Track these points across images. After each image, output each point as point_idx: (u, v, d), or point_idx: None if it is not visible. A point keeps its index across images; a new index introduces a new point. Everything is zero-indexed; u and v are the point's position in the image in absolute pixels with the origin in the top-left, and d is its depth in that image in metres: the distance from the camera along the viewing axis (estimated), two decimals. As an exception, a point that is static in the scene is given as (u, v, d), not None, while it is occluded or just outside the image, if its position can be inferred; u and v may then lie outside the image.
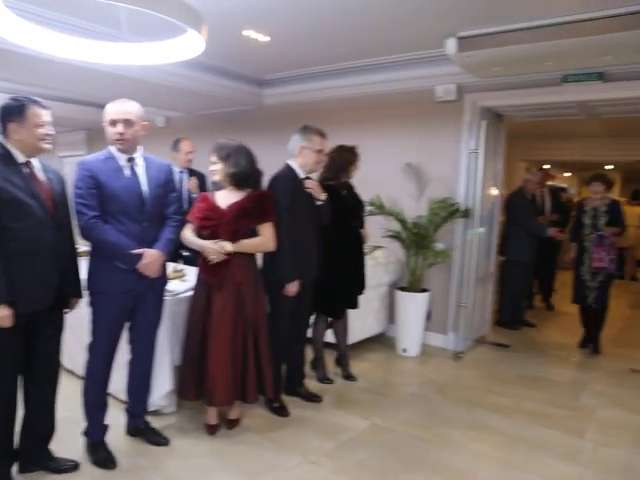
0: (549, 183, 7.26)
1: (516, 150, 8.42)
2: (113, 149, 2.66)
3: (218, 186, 3.10)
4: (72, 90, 5.88)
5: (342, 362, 4.10)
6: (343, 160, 3.74)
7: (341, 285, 3.77)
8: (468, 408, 3.65)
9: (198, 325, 3.00)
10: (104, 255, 2.62)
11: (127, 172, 2.65)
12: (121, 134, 2.59)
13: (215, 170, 3.00)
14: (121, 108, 2.61)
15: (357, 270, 3.92)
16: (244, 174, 2.97)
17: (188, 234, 3.02)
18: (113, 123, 2.60)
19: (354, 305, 3.96)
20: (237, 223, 2.92)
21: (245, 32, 4.10)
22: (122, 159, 2.65)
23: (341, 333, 4.03)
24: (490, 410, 3.61)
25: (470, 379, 4.24)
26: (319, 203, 3.39)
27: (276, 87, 5.81)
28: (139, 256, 2.60)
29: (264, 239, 3.02)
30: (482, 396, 3.87)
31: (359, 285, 3.96)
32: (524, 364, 4.61)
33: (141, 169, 2.70)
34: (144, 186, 2.67)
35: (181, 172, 4.58)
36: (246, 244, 2.96)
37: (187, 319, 3.10)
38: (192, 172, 4.64)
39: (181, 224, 2.87)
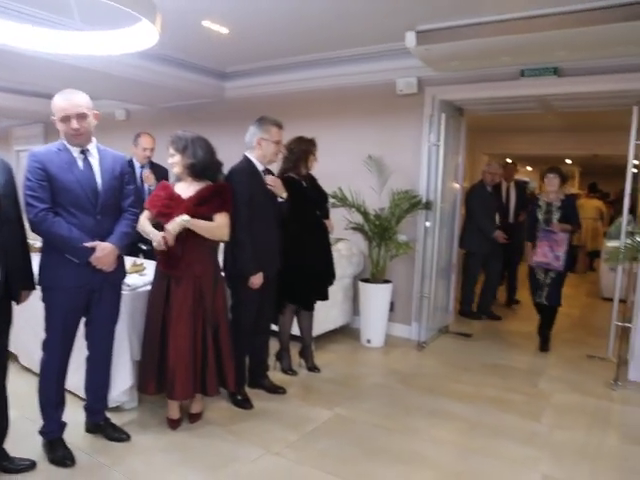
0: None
1: (479, 144, 8.59)
2: (66, 141, 2.59)
3: (179, 179, 3.07)
4: (28, 82, 5.73)
5: (306, 354, 4.12)
6: (301, 151, 3.73)
7: (310, 275, 3.77)
8: (430, 396, 3.70)
9: (157, 318, 2.97)
10: (56, 249, 2.56)
11: (80, 164, 2.59)
12: (76, 130, 2.53)
13: (173, 162, 2.97)
14: (71, 102, 2.53)
15: (325, 260, 3.93)
16: (202, 165, 2.95)
17: (143, 221, 2.97)
18: (66, 119, 2.52)
19: (324, 296, 3.97)
20: (194, 210, 2.88)
21: (204, 23, 4.06)
22: (75, 151, 2.59)
23: (306, 325, 4.05)
24: (452, 398, 3.68)
25: (433, 368, 4.30)
26: (280, 200, 3.40)
27: (237, 80, 5.78)
28: (91, 249, 2.55)
29: (218, 224, 2.96)
30: (444, 384, 3.94)
31: (329, 275, 3.97)
32: (485, 352, 4.71)
33: (95, 161, 2.64)
34: (98, 178, 2.61)
35: (142, 167, 4.51)
36: (201, 223, 2.89)
37: (146, 313, 3.07)
38: (154, 166, 4.57)
39: (137, 217, 2.81)
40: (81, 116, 2.54)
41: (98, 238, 2.58)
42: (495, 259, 5.88)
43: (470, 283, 5.89)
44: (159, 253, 2.96)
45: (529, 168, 13.48)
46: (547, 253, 4.69)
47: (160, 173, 4.52)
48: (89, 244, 2.54)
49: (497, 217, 5.88)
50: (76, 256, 2.54)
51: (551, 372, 4.26)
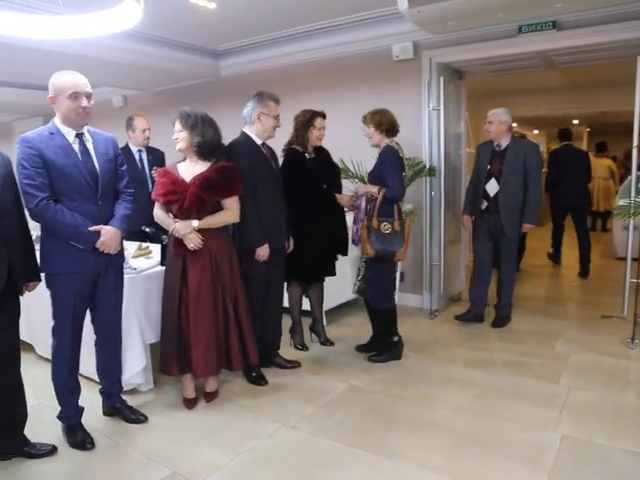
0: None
1: (483, 109, 8.42)
2: (59, 124, 2.53)
3: (183, 157, 3.04)
4: (20, 73, 5.70)
5: (317, 328, 4.12)
6: (301, 123, 3.66)
7: (311, 251, 3.72)
8: (444, 364, 3.69)
9: (174, 299, 2.96)
10: (58, 236, 2.53)
11: (77, 148, 2.54)
12: (85, 108, 2.48)
13: (179, 138, 2.93)
14: (81, 80, 2.49)
15: (330, 235, 3.82)
16: (211, 144, 2.93)
17: (159, 214, 3.00)
18: (75, 96, 2.45)
19: (328, 272, 3.92)
20: (203, 195, 2.86)
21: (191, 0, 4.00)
22: (70, 135, 2.54)
23: (315, 299, 4.03)
24: (466, 364, 3.67)
25: (446, 336, 4.29)
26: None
27: (232, 57, 5.73)
28: (96, 235, 2.52)
29: (229, 214, 3.00)
30: (458, 352, 3.93)
31: (334, 251, 3.90)
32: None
33: (90, 144, 2.60)
34: (95, 162, 2.57)
35: (139, 151, 4.45)
36: (211, 221, 2.93)
37: (163, 294, 3.05)
38: (150, 150, 4.52)
39: (134, 198, 2.78)
40: (89, 95, 2.51)
41: (101, 224, 2.55)
42: None
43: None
44: (174, 236, 2.95)
45: (536, 131, 13.25)
46: (353, 226, 3.69)
47: (157, 157, 4.49)
48: (93, 228, 2.51)
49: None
50: (81, 243, 2.52)
51: (567, 334, 4.22)
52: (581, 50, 4.29)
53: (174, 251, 2.96)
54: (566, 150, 6.64)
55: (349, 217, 3.92)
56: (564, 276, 6.59)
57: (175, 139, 2.95)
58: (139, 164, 4.40)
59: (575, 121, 11.89)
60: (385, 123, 3.61)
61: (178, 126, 2.92)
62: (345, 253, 3.97)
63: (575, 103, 8.65)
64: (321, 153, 3.82)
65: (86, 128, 2.62)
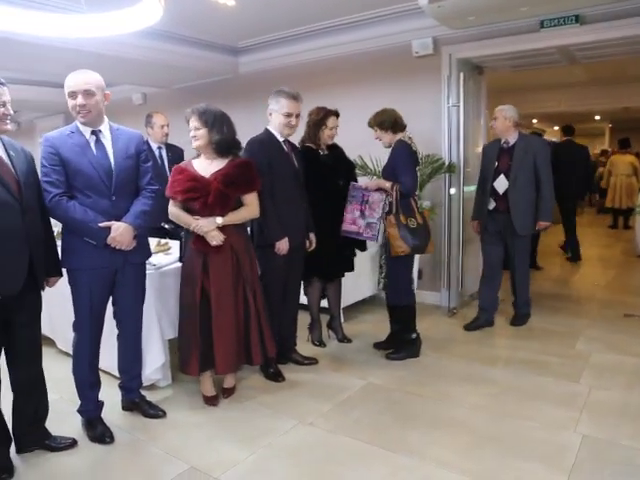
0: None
1: (503, 104, 8.35)
2: (78, 123, 2.59)
3: (198, 154, 3.03)
4: (42, 72, 5.77)
5: (334, 325, 4.11)
6: (313, 121, 3.64)
7: (329, 248, 3.70)
8: (463, 362, 3.66)
9: (195, 295, 2.93)
10: (72, 231, 2.57)
11: (93, 146, 2.58)
12: (82, 106, 2.51)
13: (197, 135, 2.89)
14: (79, 79, 2.53)
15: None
16: (229, 142, 2.91)
17: (175, 211, 2.96)
18: (72, 95, 2.52)
19: (346, 267, 3.92)
20: (226, 191, 2.86)
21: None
22: (87, 132, 2.58)
23: (332, 296, 4.02)
24: (485, 363, 3.63)
25: (464, 334, 4.25)
26: None
27: (251, 54, 5.75)
28: (107, 230, 2.54)
29: (250, 210, 3.01)
30: (477, 350, 3.89)
31: (352, 247, 3.89)
32: (518, 316, 4.62)
33: (108, 141, 2.63)
34: (111, 159, 2.60)
35: (159, 148, 4.49)
36: (233, 217, 2.93)
37: (181, 292, 3.04)
38: (169, 147, 4.55)
39: (157, 195, 2.78)
40: (87, 93, 2.51)
41: (115, 219, 2.57)
42: None
43: None
44: (194, 233, 2.93)
45: (556, 128, 13.08)
46: (357, 219, 3.61)
47: (176, 154, 4.52)
48: (103, 224, 2.53)
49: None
50: (93, 238, 2.55)
51: (588, 333, 4.16)
52: (605, 44, 4.21)
53: (195, 248, 2.93)
54: (566, 145, 6.89)
55: None
56: (584, 274, 6.50)
57: (193, 137, 2.91)
58: (159, 161, 4.44)
59: (597, 117, 11.73)
60: (387, 120, 3.55)
61: (195, 123, 2.87)
62: (363, 249, 3.96)
63: (597, 99, 8.54)
64: (335, 150, 3.81)
65: (106, 125, 2.66)
